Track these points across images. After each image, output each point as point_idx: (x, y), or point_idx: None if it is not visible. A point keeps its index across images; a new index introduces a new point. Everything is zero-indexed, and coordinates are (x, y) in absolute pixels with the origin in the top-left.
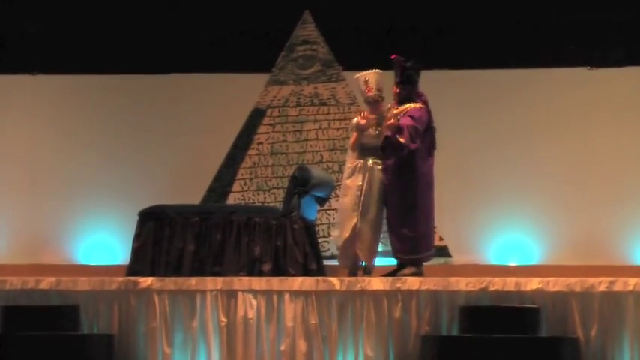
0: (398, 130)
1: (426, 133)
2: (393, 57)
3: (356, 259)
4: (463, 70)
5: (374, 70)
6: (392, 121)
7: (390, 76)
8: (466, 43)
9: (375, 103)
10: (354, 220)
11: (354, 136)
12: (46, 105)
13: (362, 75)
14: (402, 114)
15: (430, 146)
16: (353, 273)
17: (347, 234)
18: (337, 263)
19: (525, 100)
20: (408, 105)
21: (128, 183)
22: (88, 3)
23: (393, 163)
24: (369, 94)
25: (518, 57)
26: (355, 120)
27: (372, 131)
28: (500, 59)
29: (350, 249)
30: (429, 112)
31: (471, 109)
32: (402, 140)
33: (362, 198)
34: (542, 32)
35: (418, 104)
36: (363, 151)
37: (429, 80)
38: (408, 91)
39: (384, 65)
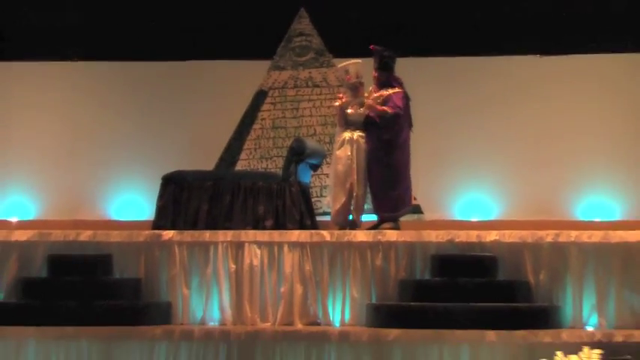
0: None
1: (406, 110)
2: (372, 47)
3: (346, 216)
4: (434, 57)
5: (353, 60)
6: (371, 101)
7: (370, 63)
8: (437, 35)
9: (355, 88)
10: (348, 185)
11: (338, 115)
12: (83, 86)
13: (342, 66)
14: (382, 97)
15: (408, 122)
16: (342, 228)
17: (344, 198)
18: (328, 219)
19: (486, 83)
20: (387, 91)
21: (154, 151)
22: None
23: (377, 136)
24: (350, 81)
25: (480, 46)
26: (337, 104)
27: (355, 110)
28: (466, 48)
29: (346, 209)
30: (405, 94)
31: (441, 89)
32: (389, 110)
33: (353, 165)
34: (501, 25)
35: (396, 89)
36: (349, 126)
37: (407, 66)
38: (385, 76)
39: (368, 53)
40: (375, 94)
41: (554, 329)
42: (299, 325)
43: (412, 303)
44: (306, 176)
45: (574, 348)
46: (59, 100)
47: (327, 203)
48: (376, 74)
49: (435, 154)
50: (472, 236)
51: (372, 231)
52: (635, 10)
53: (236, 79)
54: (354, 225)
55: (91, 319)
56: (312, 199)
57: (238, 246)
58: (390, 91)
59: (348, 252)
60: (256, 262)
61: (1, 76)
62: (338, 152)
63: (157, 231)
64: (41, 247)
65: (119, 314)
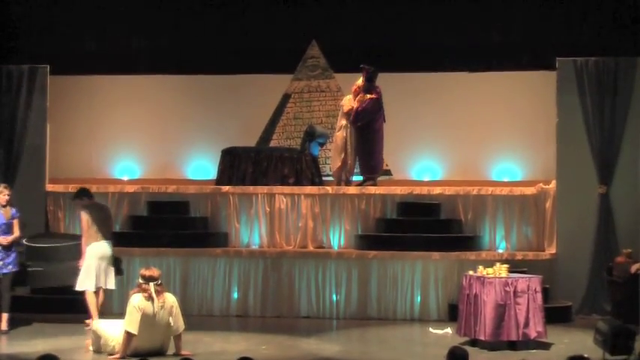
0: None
1: (379, 107)
2: (361, 66)
3: (341, 177)
4: (403, 73)
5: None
6: (353, 106)
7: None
8: (404, 57)
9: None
10: (342, 156)
11: (343, 111)
12: (170, 93)
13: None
14: (363, 100)
15: (382, 114)
16: (339, 184)
17: (339, 163)
18: (330, 179)
19: (435, 89)
20: (366, 95)
21: (216, 133)
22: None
23: (361, 125)
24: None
25: (432, 66)
26: (342, 102)
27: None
28: (423, 67)
29: (340, 171)
30: (379, 97)
31: (405, 94)
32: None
33: (346, 142)
34: (445, 52)
35: (369, 95)
36: (344, 117)
37: (384, 79)
38: (368, 85)
39: (357, 70)
40: (364, 98)
41: (477, 251)
42: (311, 248)
43: (384, 234)
44: (315, 150)
45: (490, 263)
46: (156, 99)
47: (330, 168)
48: (363, 83)
49: (400, 136)
50: (424, 190)
51: (359, 186)
52: (527, 42)
53: (270, 87)
54: (347, 182)
55: (176, 243)
56: (320, 165)
57: (271, 195)
58: (368, 96)
59: (343, 199)
60: (283, 206)
61: (119, 86)
62: (337, 134)
63: (218, 186)
64: (143, 196)
65: (194, 240)
